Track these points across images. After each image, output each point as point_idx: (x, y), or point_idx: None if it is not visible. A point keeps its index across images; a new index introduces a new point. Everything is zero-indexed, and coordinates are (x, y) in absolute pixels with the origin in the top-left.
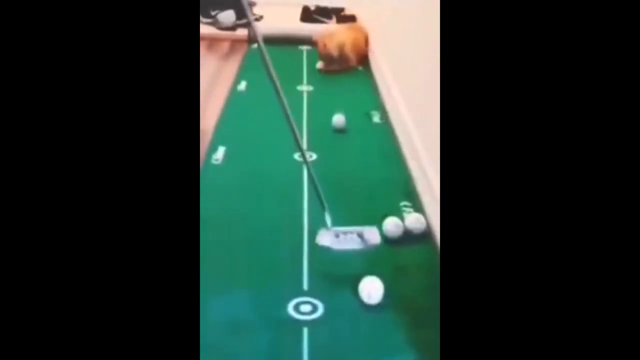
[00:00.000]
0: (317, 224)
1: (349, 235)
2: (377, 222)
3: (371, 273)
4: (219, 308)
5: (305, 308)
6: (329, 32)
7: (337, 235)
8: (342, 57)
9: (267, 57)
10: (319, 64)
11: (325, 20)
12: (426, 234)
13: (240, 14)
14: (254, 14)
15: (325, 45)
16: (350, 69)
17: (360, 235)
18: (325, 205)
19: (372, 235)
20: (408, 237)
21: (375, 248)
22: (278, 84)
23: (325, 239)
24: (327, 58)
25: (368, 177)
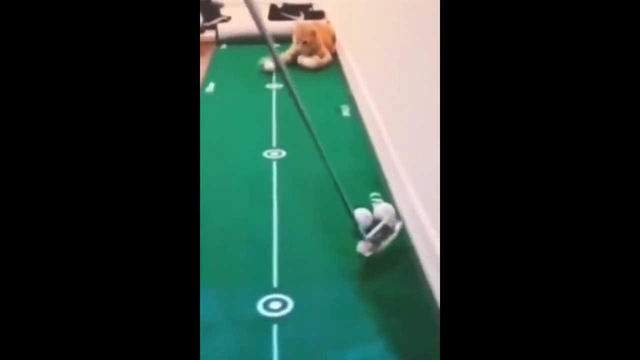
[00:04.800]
0: (286, 221)
1: (379, 233)
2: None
3: (340, 265)
4: None
5: (275, 305)
6: (314, 26)
7: (374, 242)
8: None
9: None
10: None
11: (293, 17)
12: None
13: (208, 16)
14: (221, 15)
15: (315, 35)
16: (328, 65)
17: (387, 227)
18: (354, 217)
19: (392, 220)
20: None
21: (402, 225)
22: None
23: (368, 249)
24: (312, 49)
25: (338, 170)
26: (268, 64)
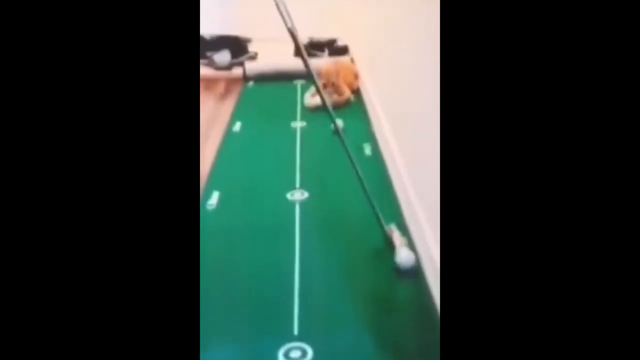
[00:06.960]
0: (308, 266)
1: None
2: (368, 257)
3: (360, 312)
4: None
5: (295, 354)
6: (337, 65)
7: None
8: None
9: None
10: (315, 101)
11: (318, 53)
12: (415, 269)
13: (235, 52)
14: (249, 52)
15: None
16: (347, 102)
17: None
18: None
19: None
20: (398, 272)
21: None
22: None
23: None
24: (336, 90)
25: (359, 212)
26: (310, 100)
